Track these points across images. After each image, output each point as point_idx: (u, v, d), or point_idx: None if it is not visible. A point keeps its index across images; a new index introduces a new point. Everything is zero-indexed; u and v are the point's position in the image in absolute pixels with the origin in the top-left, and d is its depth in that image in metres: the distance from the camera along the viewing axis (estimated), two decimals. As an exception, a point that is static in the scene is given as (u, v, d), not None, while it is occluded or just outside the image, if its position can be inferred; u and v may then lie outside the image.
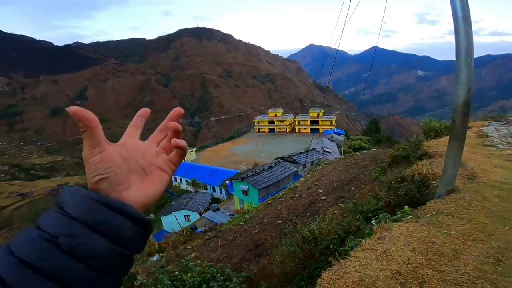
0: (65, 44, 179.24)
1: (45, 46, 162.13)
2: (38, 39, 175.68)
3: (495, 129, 7.08)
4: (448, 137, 3.65)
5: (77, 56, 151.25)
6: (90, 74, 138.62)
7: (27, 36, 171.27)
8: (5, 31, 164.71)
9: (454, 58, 3.27)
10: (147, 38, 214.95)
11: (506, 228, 2.69)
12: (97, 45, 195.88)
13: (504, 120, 8.24)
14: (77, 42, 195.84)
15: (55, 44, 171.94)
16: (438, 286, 2.06)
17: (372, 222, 3.81)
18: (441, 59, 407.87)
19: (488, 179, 3.85)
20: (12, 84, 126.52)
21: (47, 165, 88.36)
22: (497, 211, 3.01)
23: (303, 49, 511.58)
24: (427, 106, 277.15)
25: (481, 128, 7.13)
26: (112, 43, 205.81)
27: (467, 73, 3.22)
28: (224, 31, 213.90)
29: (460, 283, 2.07)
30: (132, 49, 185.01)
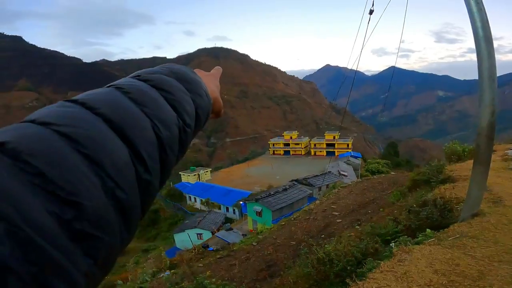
0: (93, 61, 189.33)
1: (75, 63, 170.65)
2: (68, 55, 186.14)
3: (522, 153, 6.77)
4: (471, 161, 3.53)
5: (102, 74, 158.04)
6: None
7: (59, 52, 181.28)
8: (39, 46, 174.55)
9: (476, 77, 3.19)
10: (168, 57, 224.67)
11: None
12: (122, 63, 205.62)
13: (532, 144, 7.89)
14: (103, 60, 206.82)
15: (84, 60, 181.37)
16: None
17: (391, 245, 3.66)
18: (462, 79, 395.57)
19: (515, 203, 3.66)
20: (41, 100, 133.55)
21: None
22: (526, 235, 2.83)
23: (319, 70, 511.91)
24: (449, 128, 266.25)
25: (506, 151, 6.85)
26: (135, 61, 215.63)
27: (490, 95, 3.13)
28: (241, 51, 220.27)
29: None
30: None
